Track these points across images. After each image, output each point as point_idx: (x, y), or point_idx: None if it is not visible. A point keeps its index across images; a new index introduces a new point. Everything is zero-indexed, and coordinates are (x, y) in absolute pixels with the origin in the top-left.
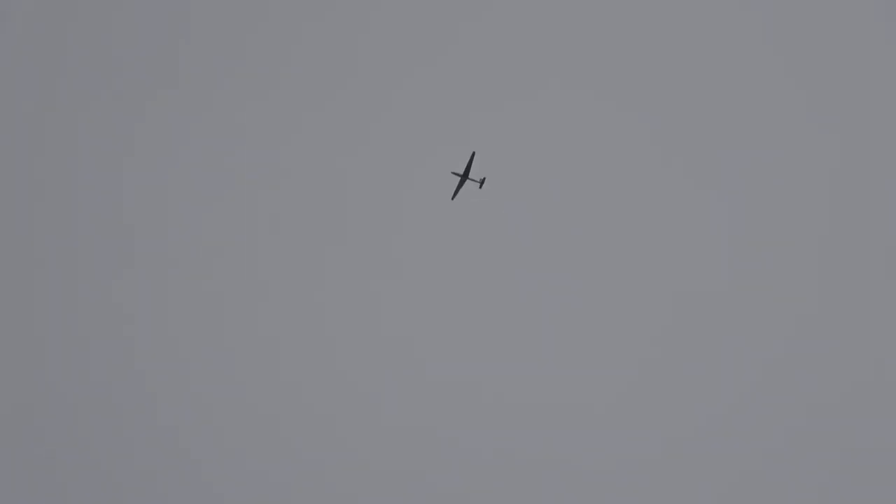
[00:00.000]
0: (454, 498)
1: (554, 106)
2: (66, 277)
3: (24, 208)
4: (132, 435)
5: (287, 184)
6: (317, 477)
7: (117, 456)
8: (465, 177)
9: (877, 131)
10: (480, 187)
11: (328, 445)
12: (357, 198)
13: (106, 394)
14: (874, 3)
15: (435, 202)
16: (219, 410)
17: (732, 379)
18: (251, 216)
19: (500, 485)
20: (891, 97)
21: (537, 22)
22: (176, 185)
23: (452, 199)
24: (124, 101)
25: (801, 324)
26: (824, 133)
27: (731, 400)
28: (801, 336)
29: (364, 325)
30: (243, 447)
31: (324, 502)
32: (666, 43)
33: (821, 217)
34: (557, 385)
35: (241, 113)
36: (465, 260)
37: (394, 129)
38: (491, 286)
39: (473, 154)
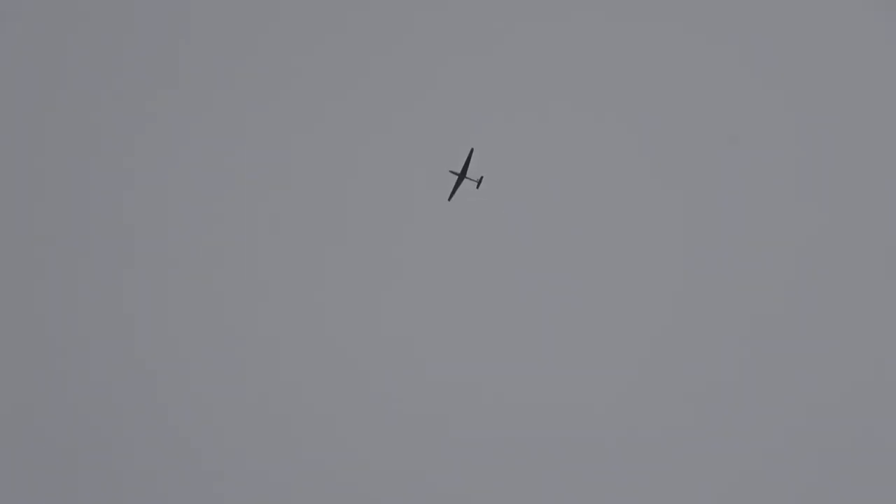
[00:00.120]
0: (454, 498)
1: (554, 107)
2: (67, 277)
3: (24, 208)
4: (133, 434)
5: (287, 184)
6: (316, 476)
7: (118, 455)
8: (462, 175)
9: (877, 131)
10: (478, 187)
11: (328, 445)
12: (357, 198)
13: (106, 393)
14: (874, 3)
15: (436, 202)
16: (219, 410)
17: (732, 379)
18: (252, 216)
19: (500, 485)
20: (890, 97)
21: (540, 24)
22: (176, 185)
23: (449, 199)
24: (124, 101)
25: (801, 324)
26: (824, 133)
27: (731, 400)
28: (801, 336)
29: (364, 326)
30: (244, 447)
31: (324, 502)
32: (666, 44)
33: (821, 217)
34: (557, 385)
35: (242, 113)
36: (466, 260)
37: (394, 130)
38: (491, 286)
39: (472, 151)
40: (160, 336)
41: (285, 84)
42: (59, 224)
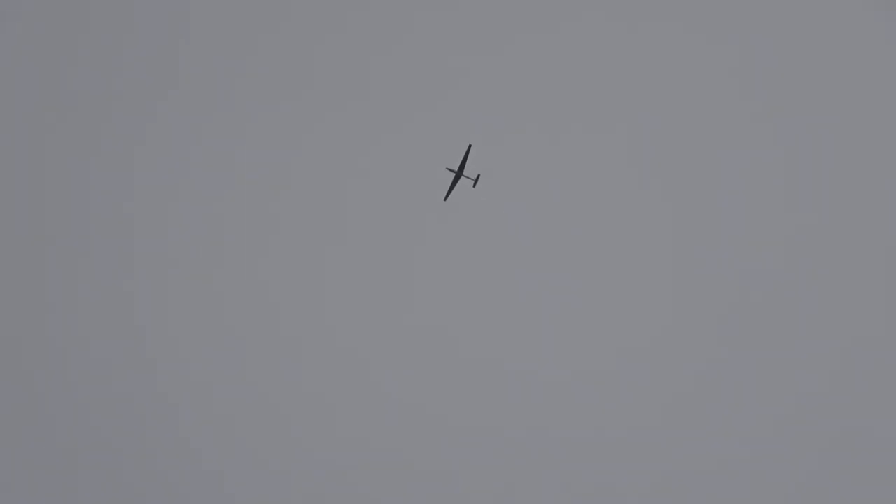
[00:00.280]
0: (454, 498)
1: (554, 107)
2: (67, 277)
3: (23, 209)
4: (133, 434)
5: (288, 184)
6: (316, 476)
7: (118, 455)
8: (459, 172)
9: (877, 131)
10: (474, 185)
11: (328, 446)
12: (358, 198)
13: (106, 393)
14: (874, 3)
15: (436, 203)
16: (220, 409)
17: (732, 379)
18: (252, 216)
19: (500, 485)
20: (890, 97)
21: (540, 25)
22: (177, 185)
23: (446, 198)
24: (124, 101)
25: (801, 324)
26: (824, 133)
27: (732, 400)
28: (801, 336)
29: (365, 325)
30: (246, 447)
31: (324, 501)
32: (666, 44)
33: (821, 217)
34: (557, 385)
35: (242, 113)
36: (465, 260)
37: (395, 130)
38: (490, 286)
39: (470, 147)
40: (161, 335)
41: (286, 84)
42: (59, 224)
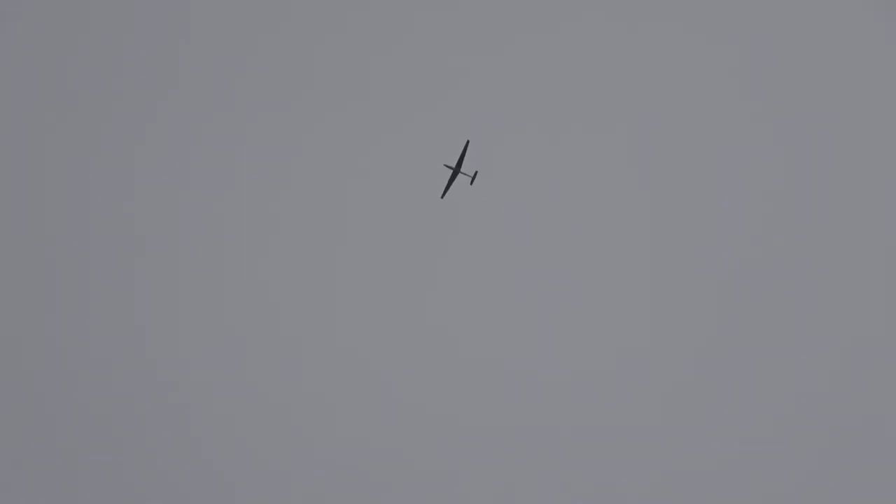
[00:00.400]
0: (454, 498)
1: (554, 107)
2: (67, 277)
3: (23, 209)
4: (134, 434)
5: (288, 184)
6: (316, 476)
7: (119, 455)
8: (457, 169)
9: (877, 131)
10: (472, 182)
11: (329, 445)
12: (358, 197)
13: (107, 393)
14: (874, 3)
15: (437, 203)
16: (222, 409)
17: (732, 379)
18: (252, 216)
19: (500, 485)
20: (890, 97)
21: (540, 25)
22: (177, 185)
23: (442, 196)
24: (124, 101)
25: (801, 324)
26: (824, 133)
27: (732, 400)
28: (801, 336)
29: (365, 325)
30: (248, 447)
31: (324, 501)
32: (666, 44)
33: (821, 217)
34: (557, 385)
35: (243, 113)
36: (465, 260)
37: (395, 130)
38: (490, 286)
39: (468, 143)
40: (161, 335)
41: (286, 84)
42: (59, 224)
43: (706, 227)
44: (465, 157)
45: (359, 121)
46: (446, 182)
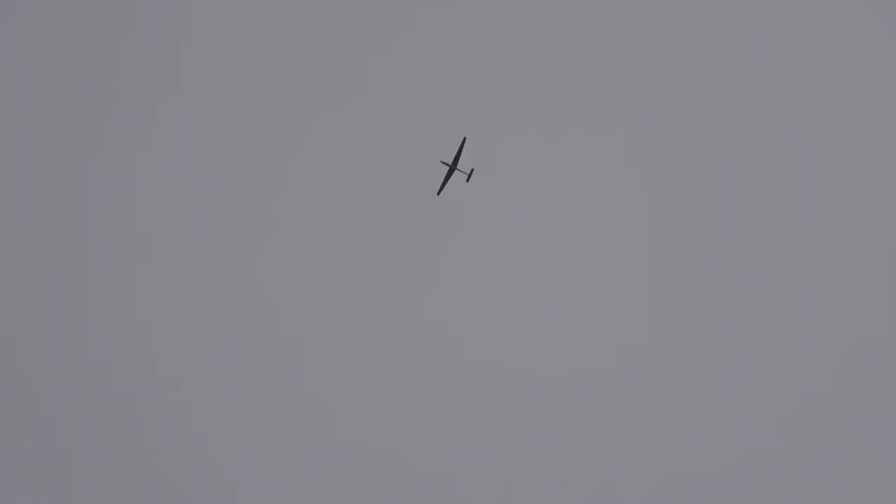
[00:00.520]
0: (454, 498)
1: (554, 107)
2: (68, 277)
3: (24, 209)
4: (134, 434)
5: (288, 184)
6: (316, 476)
7: (119, 455)
8: (453, 166)
9: (877, 131)
10: (468, 180)
11: (328, 445)
12: (358, 197)
13: (107, 393)
14: (874, 3)
15: (437, 203)
16: (221, 409)
17: (732, 379)
18: (252, 216)
19: (500, 485)
20: (890, 97)
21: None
22: (177, 185)
23: (438, 193)
24: (124, 101)
25: (801, 324)
26: (824, 133)
27: (732, 400)
28: (801, 336)
29: (365, 325)
30: (248, 447)
31: (324, 501)
32: (666, 45)
33: (821, 217)
34: (557, 385)
35: (242, 113)
36: (465, 260)
37: (395, 130)
38: (490, 286)
39: (464, 140)
40: (161, 335)
41: (286, 84)
42: (59, 224)
43: (706, 228)
44: (462, 155)
45: (359, 121)
46: (442, 179)
